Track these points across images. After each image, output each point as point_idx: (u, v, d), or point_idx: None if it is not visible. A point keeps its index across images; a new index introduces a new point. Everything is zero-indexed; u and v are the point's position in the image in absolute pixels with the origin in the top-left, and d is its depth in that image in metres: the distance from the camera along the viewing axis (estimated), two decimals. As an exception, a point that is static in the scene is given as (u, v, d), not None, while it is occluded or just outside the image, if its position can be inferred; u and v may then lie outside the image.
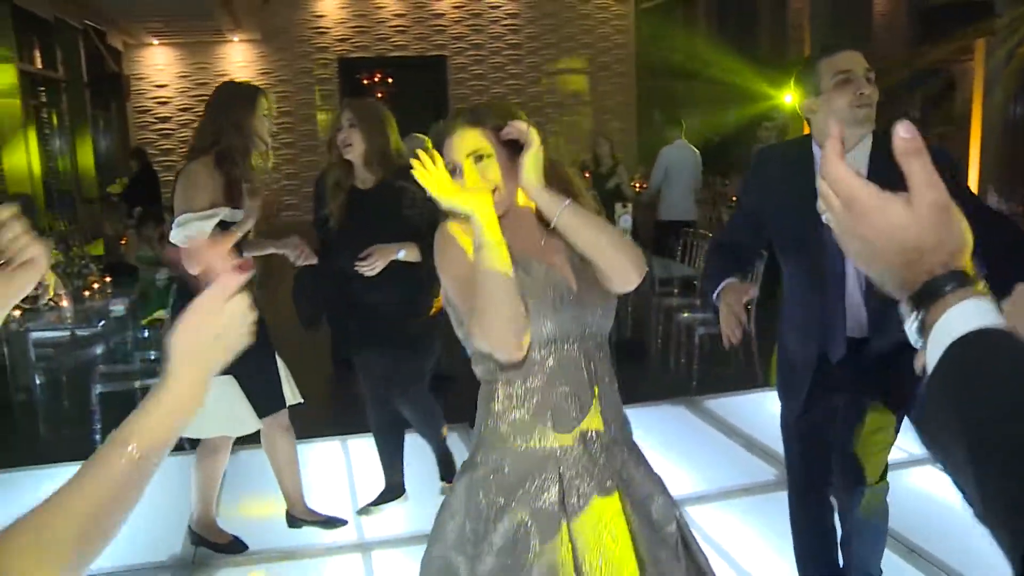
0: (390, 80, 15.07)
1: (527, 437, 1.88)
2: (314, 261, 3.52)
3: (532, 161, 1.85)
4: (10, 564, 0.82)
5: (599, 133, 9.61)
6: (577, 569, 1.82)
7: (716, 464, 4.37)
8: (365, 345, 3.75)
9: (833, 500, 2.82)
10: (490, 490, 1.88)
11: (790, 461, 2.85)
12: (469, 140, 1.91)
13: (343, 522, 3.81)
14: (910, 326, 0.82)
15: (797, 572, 2.91)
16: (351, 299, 3.69)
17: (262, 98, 3.31)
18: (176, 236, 3.10)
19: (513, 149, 1.91)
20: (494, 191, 1.88)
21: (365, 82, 15.22)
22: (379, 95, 14.68)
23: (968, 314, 0.77)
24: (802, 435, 2.73)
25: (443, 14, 15.09)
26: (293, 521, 3.75)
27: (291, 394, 3.60)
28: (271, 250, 3.56)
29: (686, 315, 6.09)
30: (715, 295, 2.61)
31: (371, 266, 3.42)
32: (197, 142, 3.29)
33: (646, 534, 1.89)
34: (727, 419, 5.02)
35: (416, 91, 14.75)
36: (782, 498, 2.95)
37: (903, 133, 0.80)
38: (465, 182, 1.86)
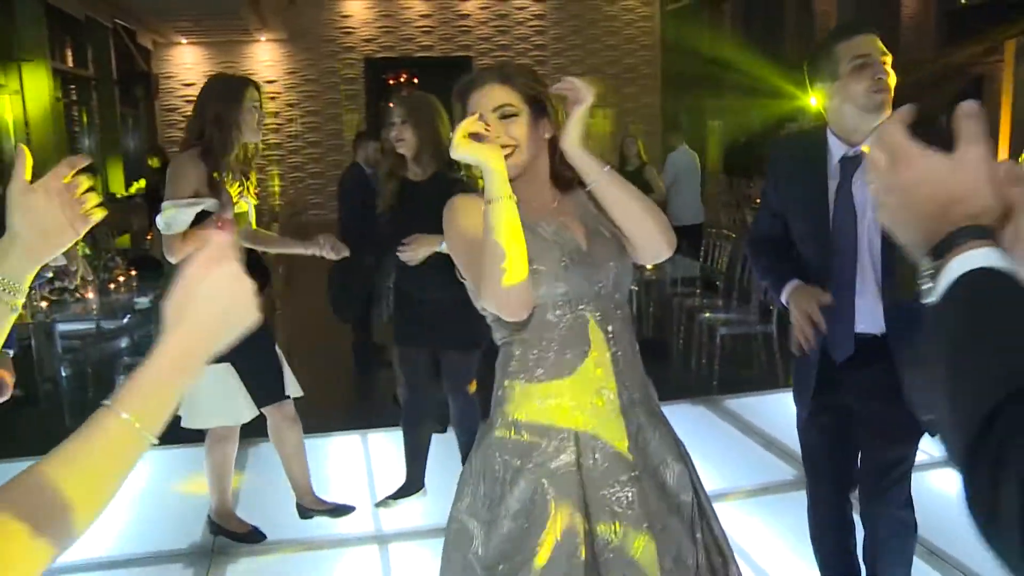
0: (415, 80, 15.11)
1: (543, 398, 1.88)
2: (346, 254, 3.55)
3: (581, 119, 1.84)
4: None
5: (626, 133, 9.59)
6: (590, 531, 1.82)
7: (736, 463, 4.36)
8: (407, 337, 3.78)
9: (854, 500, 2.78)
10: (505, 451, 1.88)
11: (805, 460, 2.83)
12: (499, 95, 1.91)
13: (352, 509, 3.83)
14: (924, 278, 0.86)
15: (818, 571, 2.89)
16: (396, 291, 3.76)
17: (248, 90, 3.32)
18: (159, 223, 3.21)
19: (537, 113, 1.93)
20: (514, 150, 1.89)
21: (391, 82, 15.28)
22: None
23: (978, 257, 0.81)
24: (816, 434, 2.70)
25: (469, 15, 15.14)
26: (304, 512, 3.78)
27: (292, 387, 3.61)
28: (299, 250, 3.59)
29: (707, 315, 6.07)
30: (784, 298, 2.51)
31: (412, 253, 3.44)
32: (187, 135, 3.40)
33: (656, 500, 1.89)
34: (748, 419, 5.00)
35: (441, 91, 14.70)
36: (801, 497, 2.93)
37: (967, 104, 0.88)
38: (490, 136, 1.86)
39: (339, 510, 3.81)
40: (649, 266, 6.29)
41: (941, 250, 0.84)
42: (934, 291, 0.84)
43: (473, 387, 3.91)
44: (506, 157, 1.87)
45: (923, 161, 0.88)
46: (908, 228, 0.90)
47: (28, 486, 0.82)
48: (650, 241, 1.89)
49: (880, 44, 2.36)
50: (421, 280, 3.52)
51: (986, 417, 0.70)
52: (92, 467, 0.85)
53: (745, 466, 4.33)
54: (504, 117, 1.89)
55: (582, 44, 15.37)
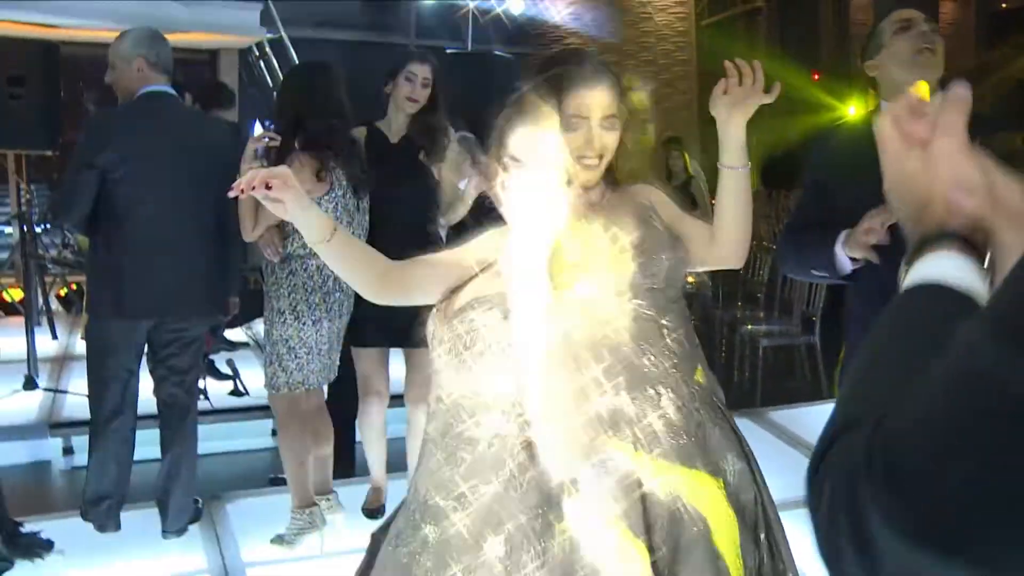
0: (454, 98, 15.21)
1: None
2: None
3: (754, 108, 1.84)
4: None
5: (671, 147, 9.37)
6: (648, 529, 1.72)
7: (782, 475, 4.27)
8: None
9: None
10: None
11: None
12: (609, 103, 1.83)
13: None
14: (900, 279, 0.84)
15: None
16: None
17: None
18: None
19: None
20: (601, 160, 1.83)
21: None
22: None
23: (934, 267, 0.77)
24: None
25: (504, 35, 15.23)
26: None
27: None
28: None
29: (749, 327, 6.04)
30: (840, 243, 2.26)
31: None
32: None
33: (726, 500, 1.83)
34: (792, 431, 4.95)
35: (478, 112, 14.83)
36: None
37: (961, 88, 0.81)
38: (595, 144, 1.80)
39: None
40: (691, 279, 6.29)
41: (912, 254, 0.81)
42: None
43: None
44: (595, 167, 1.84)
45: (899, 161, 0.84)
46: (905, 227, 0.86)
47: None
48: (735, 245, 1.89)
49: (924, 16, 2.37)
50: None
51: (826, 440, 0.73)
52: None
53: (792, 477, 4.22)
54: (607, 128, 1.82)
55: (618, 61, 15.30)
